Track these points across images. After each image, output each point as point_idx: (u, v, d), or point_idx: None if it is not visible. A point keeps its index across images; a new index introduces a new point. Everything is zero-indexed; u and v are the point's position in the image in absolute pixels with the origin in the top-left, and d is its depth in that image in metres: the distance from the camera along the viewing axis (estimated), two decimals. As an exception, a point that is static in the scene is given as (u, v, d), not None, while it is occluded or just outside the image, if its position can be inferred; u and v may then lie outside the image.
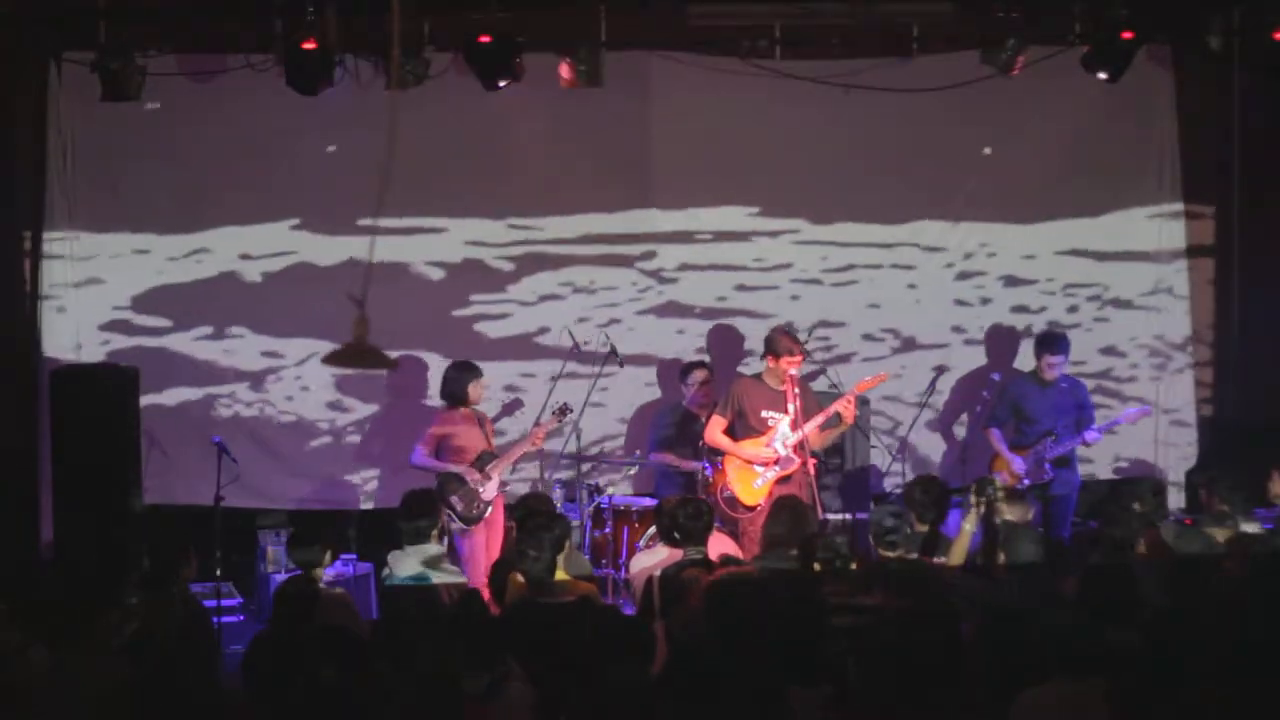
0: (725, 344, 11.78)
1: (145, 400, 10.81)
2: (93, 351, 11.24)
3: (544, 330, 11.30)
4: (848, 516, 11.07)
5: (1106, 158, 11.72)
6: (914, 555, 8.39)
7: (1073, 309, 11.81)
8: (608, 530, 10.73)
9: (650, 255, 11.44)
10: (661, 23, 11.29)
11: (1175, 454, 11.99)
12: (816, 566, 7.97)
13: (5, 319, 11.57)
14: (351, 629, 7.29)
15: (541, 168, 11.29)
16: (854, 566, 8.11)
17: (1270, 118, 11.59)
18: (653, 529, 10.08)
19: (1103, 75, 10.88)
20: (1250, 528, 8.68)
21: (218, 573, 10.39)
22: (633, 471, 11.63)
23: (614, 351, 11.28)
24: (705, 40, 11.36)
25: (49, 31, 11.15)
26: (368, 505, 11.75)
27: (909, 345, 11.53)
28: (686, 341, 11.44)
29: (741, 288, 11.42)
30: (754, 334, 11.27)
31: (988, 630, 6.72)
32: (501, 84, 10.71)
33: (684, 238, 11.35)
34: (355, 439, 11.37)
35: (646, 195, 11.36)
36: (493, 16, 10.55)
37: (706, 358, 11.57)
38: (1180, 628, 6.56)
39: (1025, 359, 11.52)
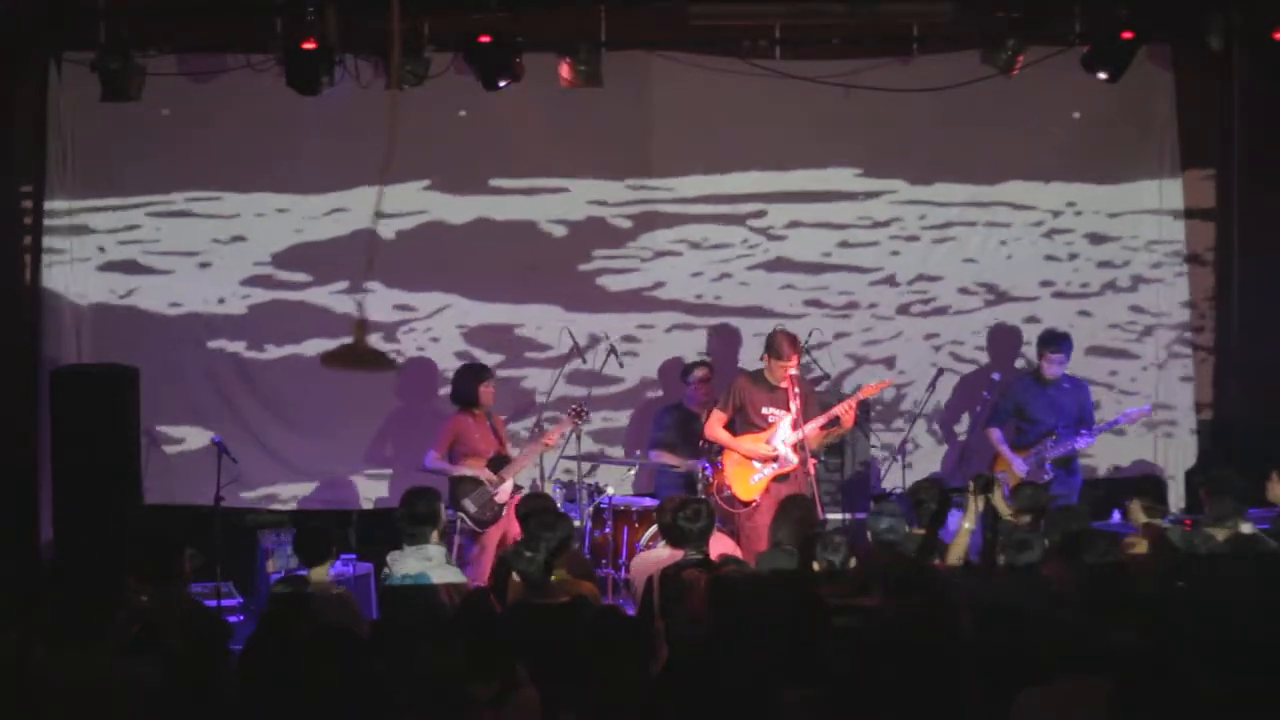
0: (725, 345, 11.85)
1: (283, 351, 11.46)
2: (235, 305, 11.61)
3: (660, 284, 11.74)
4: (848, 516, 11.08)
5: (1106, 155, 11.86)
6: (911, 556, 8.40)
7: (1156, 265, 12.03)
8: (608, 530, 10.73)
9: (760, 214, 11.78)
10: (661, 23, 11.30)
11: (1175, 454, 12.04)
12: (816, 566, 7.97)
13: (5, 319, 11.57)
14: (352, 629, 7.30)
15: (656, 134, 11.69)
16: (853, 565, 8.13)
17: (1270, 117, 11.59)
18: (653, 529, 10.09)
19: (1103, 75, 10.90)
20: (1246, 529, 8.68)
21: (218, 572, 10.42)
22: (633, 471, 11.64)
23: (614, 351, 11.31)
24: (705, 40, 11.38)
25: (49, 31, 11.15)
26: (368, 505, 11.78)
27: (1001, 298, 11.91)
28: (794, 295, 11.82)
29: (844, 244, 11.81)
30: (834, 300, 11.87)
31: (988, 630, 6.72)
32: (501, 84, 10.74)
33: (792, 197, 11.73)
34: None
35: (758, 158, 11.74)
36: (493, 16, 10.57)
37: (707, 356, 11.62)
38: (1180, 627, 6.58)
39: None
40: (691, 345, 11.63)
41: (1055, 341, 11.03)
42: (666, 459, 11.06)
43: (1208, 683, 6.02)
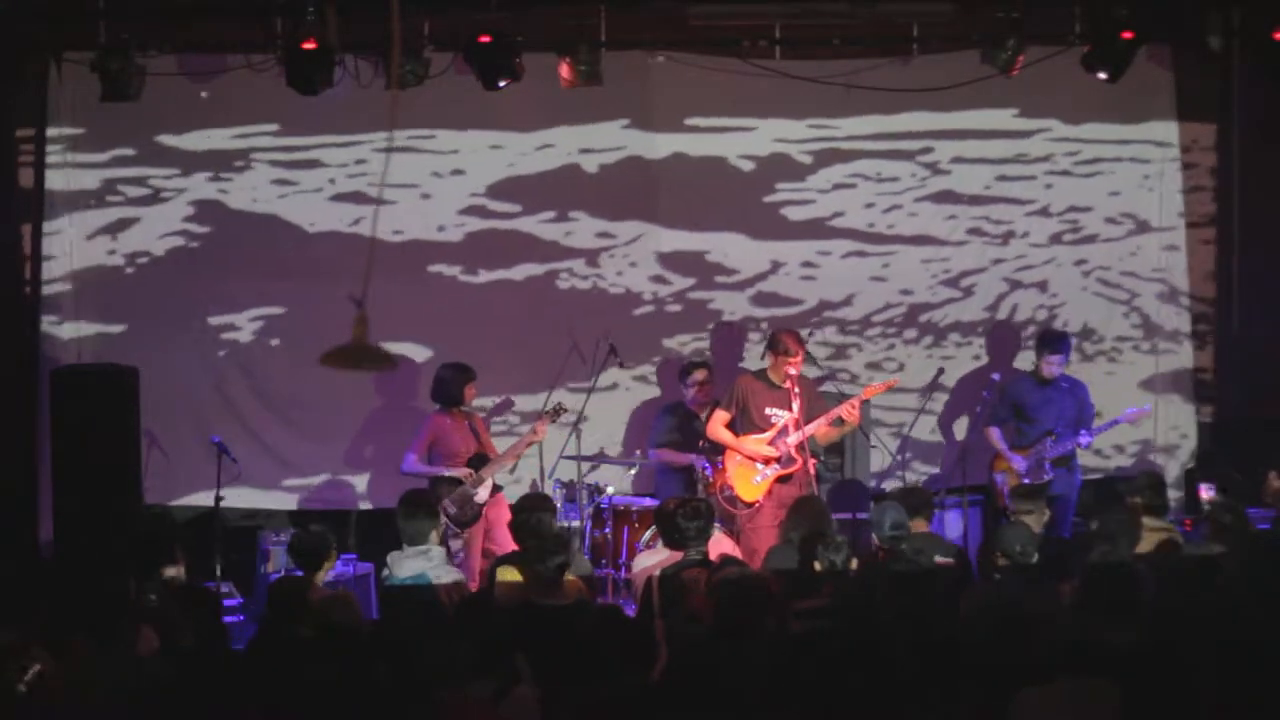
0: (727, 344, 11.90)
1: (493, 276, 12.03)
2: (452, 233, 12.04)
3: (837, 214, 12.27)
4: (848, 516, 11.08)
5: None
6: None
7: None
8: (608, 530, 10.73)
9: (928, 150, 12.23)
10: (661, 23, 11.32)
11: (1175, 453, 12.08)
12: (818, 566, 7.97)
13: (5, 319, 11.57)
14: (352, 629, 7.31)
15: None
16: (854, 566, 8.13)
17: (1270, 117, 11.60)
18: (653, 528, 10.09)
19: (1103, 75, 10.91)
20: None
21: (218, 572, 10.41)
22: (633, 471, 11.64)
23: (614, 351, 11.32)
24: (705, 40, 11.39)
25: (49, 31, 11.16)
26: (366, 505, 11.79)
27: (1143, 228, 12.34)
28: (956, 225, 12.29)
29: (1002, 178, 12.30)
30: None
31: (988, 630, 6.73)
32: (501, 84, 10.74)
33: (955, 135, 12.21)
34: (677, 309, 12.15)
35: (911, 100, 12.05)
36: (493, 16, 10.57)
37: (707, 357, 11.64)
38: (1180, 627, 6.58)
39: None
40: (865, 271, 12.18)
41: (1054, 343, 11.04)
42: (669, 456, 11.03)
43: (1207, 682, 6.03)
